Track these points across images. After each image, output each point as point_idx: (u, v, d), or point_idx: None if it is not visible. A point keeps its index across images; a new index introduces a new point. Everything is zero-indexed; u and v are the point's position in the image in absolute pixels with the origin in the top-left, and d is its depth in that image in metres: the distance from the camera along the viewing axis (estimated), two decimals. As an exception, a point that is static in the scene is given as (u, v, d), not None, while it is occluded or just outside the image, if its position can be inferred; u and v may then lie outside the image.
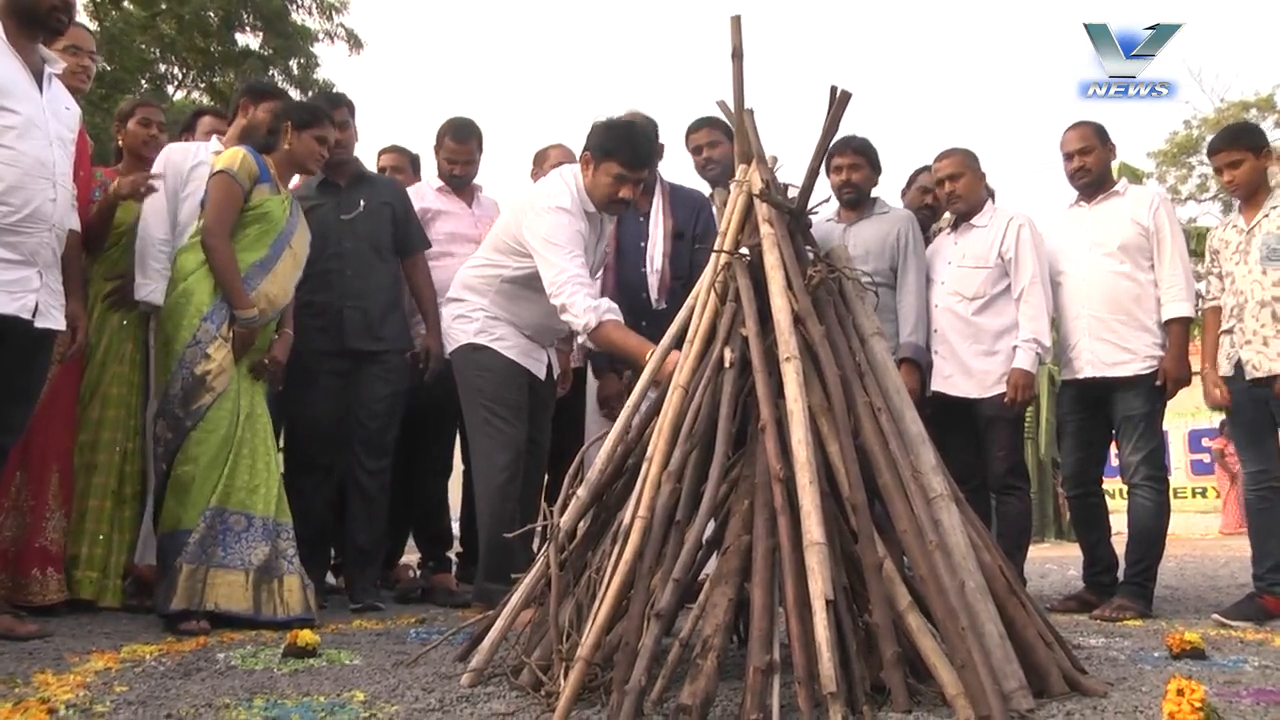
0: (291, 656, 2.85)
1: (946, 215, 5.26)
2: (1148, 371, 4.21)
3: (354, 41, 16.27)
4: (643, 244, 4.38)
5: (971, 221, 4.51)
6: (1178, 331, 4.22)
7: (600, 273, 4.13)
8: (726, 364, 2.61)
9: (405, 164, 5.17)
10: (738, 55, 3.10)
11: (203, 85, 16.01)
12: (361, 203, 4.38)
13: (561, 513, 2.69)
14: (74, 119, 3.35)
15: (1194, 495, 15.52)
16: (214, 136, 4.24)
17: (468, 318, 3.96)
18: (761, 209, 2.88)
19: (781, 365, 2.50)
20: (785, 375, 2.47)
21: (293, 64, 15.77)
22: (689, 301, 2.96)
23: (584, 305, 3.46)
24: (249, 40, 15.84)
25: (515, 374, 3.91)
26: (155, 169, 3.96)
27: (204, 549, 3.43)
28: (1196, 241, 16.79)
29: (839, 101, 2.75)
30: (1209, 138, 23.71)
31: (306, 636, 2.89)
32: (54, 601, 3.61)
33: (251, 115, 4.08)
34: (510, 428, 3.85)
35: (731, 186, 3.10)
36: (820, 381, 2.56)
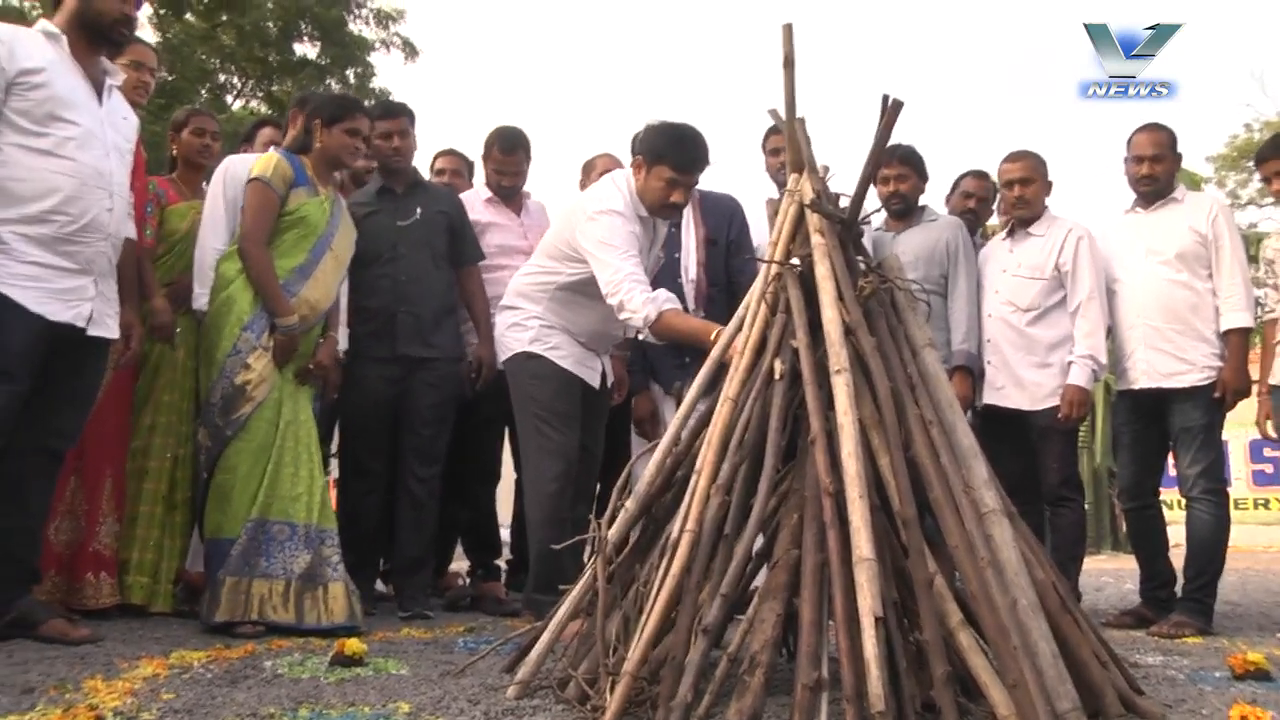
0: (338, 665, 2.86)
1: (995, 220, 5.20)
2: (1205, 383, 4.12)
3: (409, 50, 16.44)
4: (676, 254, 4.35)
5: (1029, 230, 4.44)
6: (1236, 342, 4.12)
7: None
8: (777, 376, 2.58)
9: (462, 168, 5.17)
10: (789, 64, 3.07)
11: (261, 94, 16.25)
12: (418, 210, 4.41)
13: (609, 525, 2.68)
14: (132, 129, 3.41)
15: (1256, 506, 15.14)
16: (272, 147, 4.28)
17: (522, 326, 3.94)
18: (813, 219, 2.85)
19: (832, 378, 2.47)
20: (835, 388, 2.44)
21: (349, 73, 15.95)
22: (739, 311, 2.93)
23: (641, 299, 3.44)
24: (307, 50, 16.07)
25: (569, 382, 3.89)
26: (214, 180, 3.99)
27: (246, 560, 3.47)
28: (1255, 247, 16.50)
29: (891, 110, 2.71)
30: (1273, 141, 23.23)
31: (354, 645, 2.91)
32: (106, 605, 3.67)
33: (301, 125, 4.10)
34: (562, 436, 3.83)
35: (783, 196, 3.08)
36: (871, 394, 2.52)
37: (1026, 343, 4.34)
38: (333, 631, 3.42)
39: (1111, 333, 4.42)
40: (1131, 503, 4.46)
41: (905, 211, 4.55)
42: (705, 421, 2.74)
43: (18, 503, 3.15)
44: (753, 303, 2.85)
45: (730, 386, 2.64)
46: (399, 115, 4.56)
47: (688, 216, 4.38)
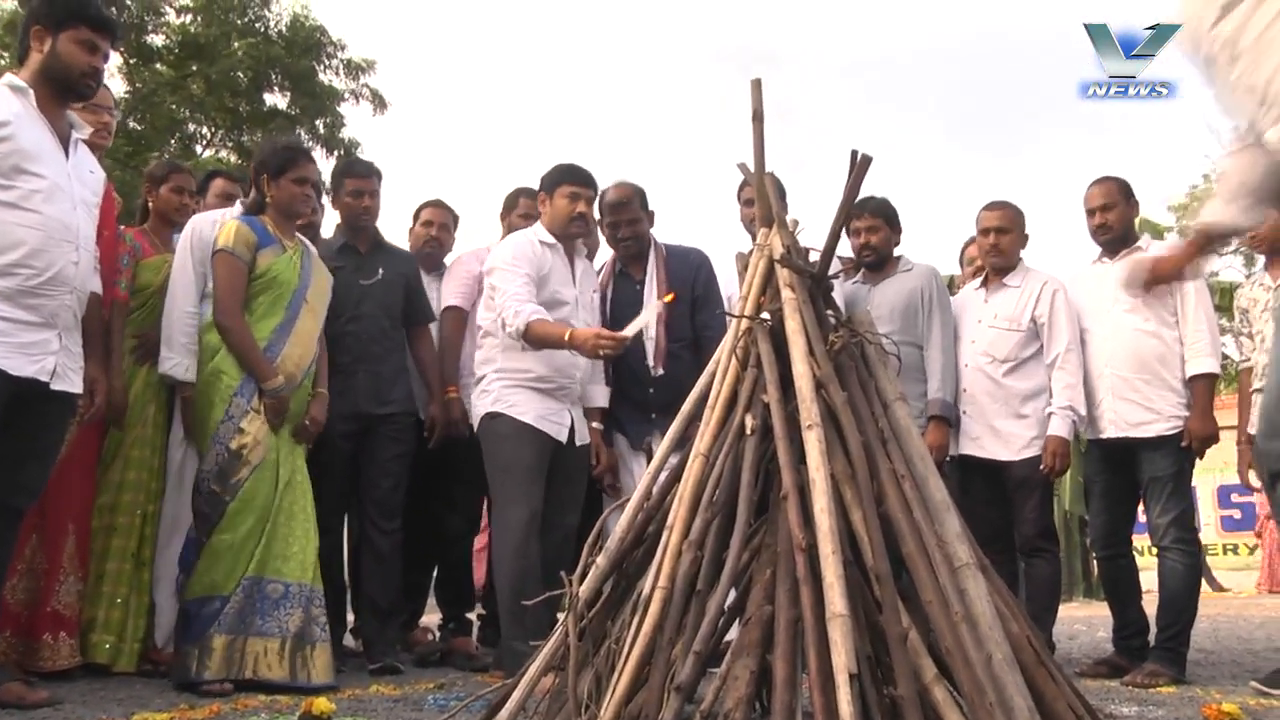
0: (307, 725, 2.81)
1: (965, 270, 5.26)
2: (1173, 432, 4.14)
3: (379, 101, 16.49)
4: (639, 312, 4.30)
5: (1004, 281, 4.49)
6: (1202, 389, 4.16)
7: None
8: (748, 431, 2.58)
9: (449, 221, 5.12)
10: (758, 118, 3.10)
11: (230, 144, 16.25)
12: (380, 270, 4.48)
13: (580, 581, 2.65)
14: (99, 183, 3.40)
15: (1225, 552, 15.28)
16: (238, 202, 4.28)
17: (486, 391, 4.10)
18: (783, 273, 2.86)
19: (804, 433, 2.46)
20: (807, 443, 2.43)
21: (319, 123, 15.99)
22: (709, 367, 2.93)
23: (513, 310, 3.85)
24: (277, 100, 16.10)
25: (531, 436, 3.97)
26: (181, 243, 4.00)
27: (242, 618, 3.48)
28: (1221, 296, 16.72)
29: (860, 166, 2.74)
30: (1231, 191, 23.81)
31: (321, 705, 2.86)
32: (65, 667, 3.58)
33: (275, 189, 4.11)
34: (524, 487, 3.90)
35: (752, 250, 3.09)
36: (843, 448, 2.52)
37: (1003, 393, 4.37)
38: (315, 690, 3.39)
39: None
40: (1104, 551, 4.47)
41: (879, 263, 4.58)
42: (676, 477, 2.73)
43: None
44: (723, 357, 2.84)
45: (702, 442, 2.64)
46: (370, 175, 4.63)
47: (651, 274, 4.42)
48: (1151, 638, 4.25)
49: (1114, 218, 4.37)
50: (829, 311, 2.92)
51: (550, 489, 4.03)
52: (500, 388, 4.04)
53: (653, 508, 2.75)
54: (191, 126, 16.08)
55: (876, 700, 2.17)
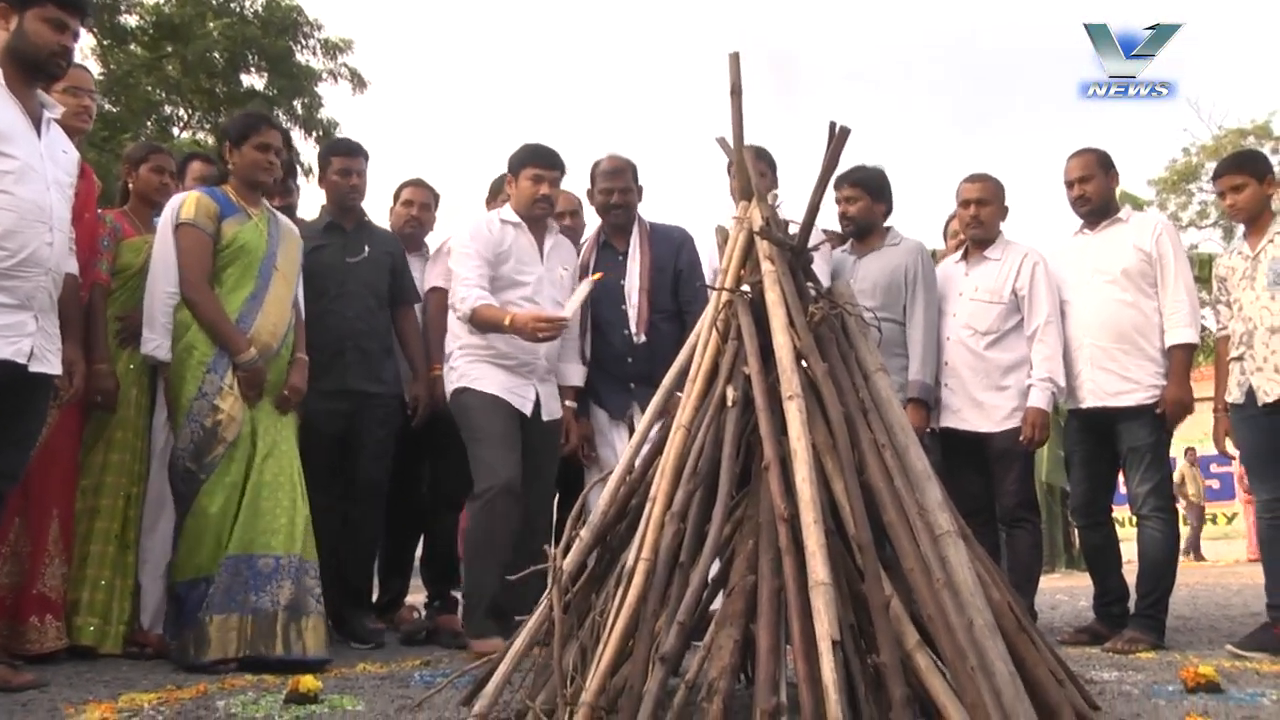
0: (293, 703, 2.82)
1: (949, 244, 5.26)
2: (1151, 401, 4.18)
3: (357, 81, 16.37)
4: (621, 281, 4.44)
5: (984, 253, 4.50)
6: (1180, 358, 4.19)
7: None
8: (729, 403, 2.59)
9: (430, 200, 5.09)
10: (736, 92, 3.10)
11: (208, 126, 16.09)
12: (366, 249, 4.49)
13: (564, 554, 2.66)
14: (72, 163, 3.35)
15: (1205, 521, 15.42)
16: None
17: (453, 368, 4.17)
18: (762, 246, 2.87)
19: (785, 404, 2.47)
20: (788, 414, 2.45)
21: (297, 104, 15.86)
22: (690, 339, 2.93)
23: (462, 295, 4.01)
24: (254, 81, 15.96)
25: (496, 406, 4.05)
26: (162, 224, 3.94)
27: (233, 597, 3.47)
28: (1200, 268, 16.78)
29: (838, 138, 2.75)
30: (1208, 164, 23.84)
31: (309, 682, 2.87)
32: (52, 650, 3.56)
33: (238, 157, 4.06)
34: (491, 453, 3.95)
35: (731, 223, 3.09)
36: (824, 419, 2.53)
37: (984, 366, 4.39)
38: (306, 664, 3.42)
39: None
40: (1084, 521, 4.52)
41: (859, 233, 4.57)
42: (659, 449, 2.74)
43: None
44: (704, 330, 2.85)
45: (683, 414, 2.65)
46: (358, 155, 4.65)
47: (635, 245, 4.48)
48: (1131, 605, 4.30)
49: (1092, 189, 4.39)
50: (809, 284, 2.93)
51: (525, 462, 4.05)
52: (465, 364, 4.12)
53: (635, 481, 2.77)
54: (168, 108, 15.93)
55: (859, 667, 2.19)
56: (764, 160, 4.54)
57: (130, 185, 4.29)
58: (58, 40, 3.16)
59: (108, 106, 14.16)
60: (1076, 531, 4.69)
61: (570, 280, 4.34)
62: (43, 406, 3.27)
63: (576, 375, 4.40)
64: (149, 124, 15.20)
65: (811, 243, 2.98)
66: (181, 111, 16.15)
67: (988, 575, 2.49)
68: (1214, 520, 15.59)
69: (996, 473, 4.42)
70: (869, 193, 4.54)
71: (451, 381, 4.17)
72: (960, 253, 4.65)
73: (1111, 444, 4.31)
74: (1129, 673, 3.50)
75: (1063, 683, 2.43)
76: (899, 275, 4.45)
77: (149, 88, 14.69)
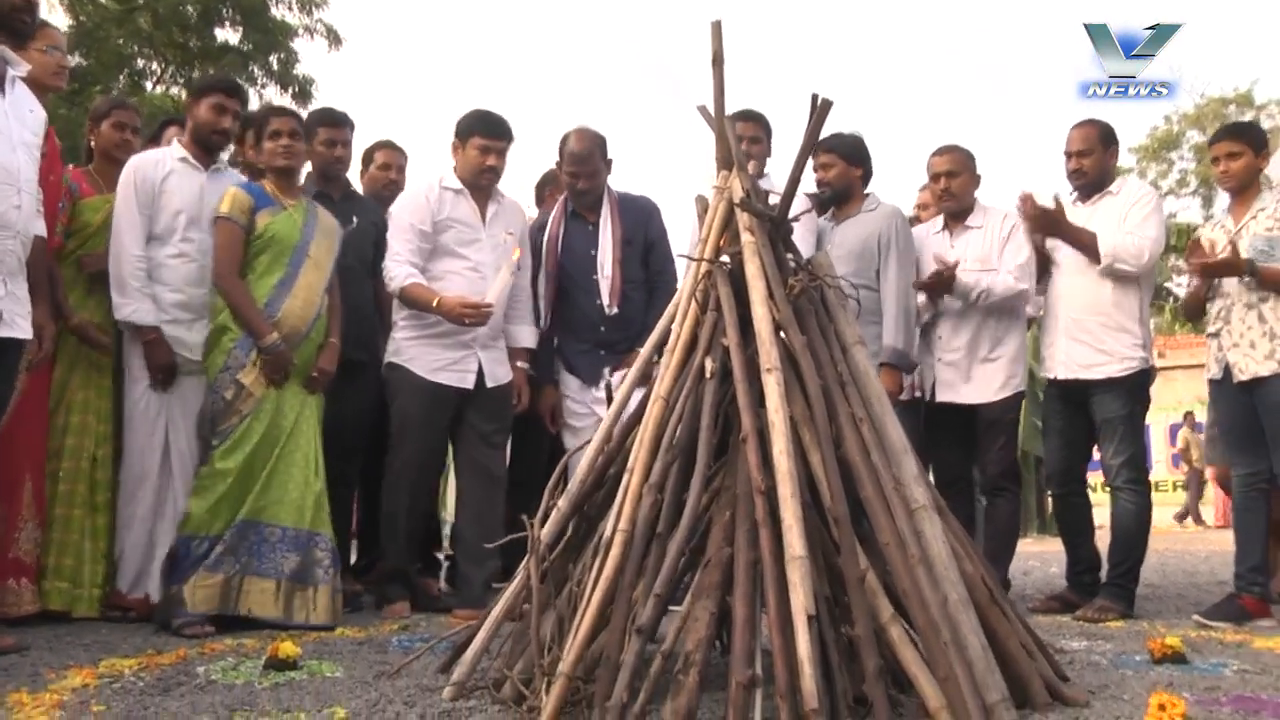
0: (272, 669, 2.83)
1: (926, 215, 5.26)
2: (1125, 374, 4.21)
3: (333, 37, 16.13)
4: (593, 252, 4.47)
5: (966, 223, 4.50)
6: (1088, 243, 4.24)
7: (546, 280, 4.51)
8: (708, 374, 2.59)
9: (404, 162, 5.08)
10: (718, 61, 3.07)
11: (181, 80, 15.84)
12: (354, 218, 4.50)
13: (543, 524, 2.67)
14: (39, 123, 3.28)
15: (1175, 489, 15.63)
16: (175, 140, 4.23)
17: (394, 338, 4.29)
18: (742, 217, 2.86)
19: (763, 376, 2.48)
20: (766, 386, 2.45)
21: (272, 59, 15.63)
22: (669, 310, 2.93)
23: (391, 274, 4.13)
24: (228, 35, 15.72)
25: (422, 390, 4.17)
26: (123, 184, 3.96)
27: (236, 558, 3.65)
28: (1178, 237, 16.87)
29: (820, 110, 2.74)
30: (1189, 133, 23.78)
31: (287, 648, 2.88)
32: (27, 613, 3.56)
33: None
34: (411, 434, 4.19)
35: (710, 193, 3.08)
36: (802, 392, 2.54)
37: (976, 337, 4.42)
38: (311, 629, 3.63)
39: (1042, 322, 4.53)
40: (1059, 490, 4.56)
41: (836, 199, 4.55)
42: (636, 419, 2.75)
43: None
44: (683, 300, 2.85)
45: (662, 385, 2.65)
46: (344, 125, 4.66)
47: (605, 216, 4.51)
48: (1103, 574, 4.35)
49: (1090, 164, 4.37)
50: (789, 255, 2.93)
51: (468, 430, 4.26)
52: (402, 339, 4.24)
53: (613, 450, 2.77)
54: (140, 62, 15.63)
55: (834, 639, 2.22)
56: (760, 124, 4.58)
57: (93, 143, 4.23)
58: None
59: (78, 59, 13.92)
60: (1050, 499, 4.72)
61: (513, 242, 4.39)
62: (12, 371, 3.22)
63: (528, 336, 4.48)
64: (120, 78, 14.94)
65: (796, 210, 2.99)
66: (154, 65, 15.88)
67: (961, 549, 2.51)
68: (1184, 487, 15.77)
69: (983, 442, 4.45)
70: (844, 157, 4.51)
71: (388, 352, 4.29)
72: (941, 223, 4.63)
73: (1087, 414, 4.33)
74: (1098, 642, 3.55)
75: (1033, 655, 2.47)
76: (872, 242, 4.42)
77: (120, 41, 14.42)
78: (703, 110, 3.28)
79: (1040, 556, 7.72)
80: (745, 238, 2.79)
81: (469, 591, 4.20)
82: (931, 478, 5.13)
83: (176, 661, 2.99)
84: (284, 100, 15.60)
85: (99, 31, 13.98)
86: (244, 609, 3.63)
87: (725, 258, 2.84)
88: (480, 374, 4.23)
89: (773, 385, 2.44)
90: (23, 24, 3.15)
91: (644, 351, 2.92)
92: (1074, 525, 4.50)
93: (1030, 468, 11.61)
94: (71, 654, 3.11)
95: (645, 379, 2.92)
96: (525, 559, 2.61)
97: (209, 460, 3.73)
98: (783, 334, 2.61)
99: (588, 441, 2.83)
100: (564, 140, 4.48)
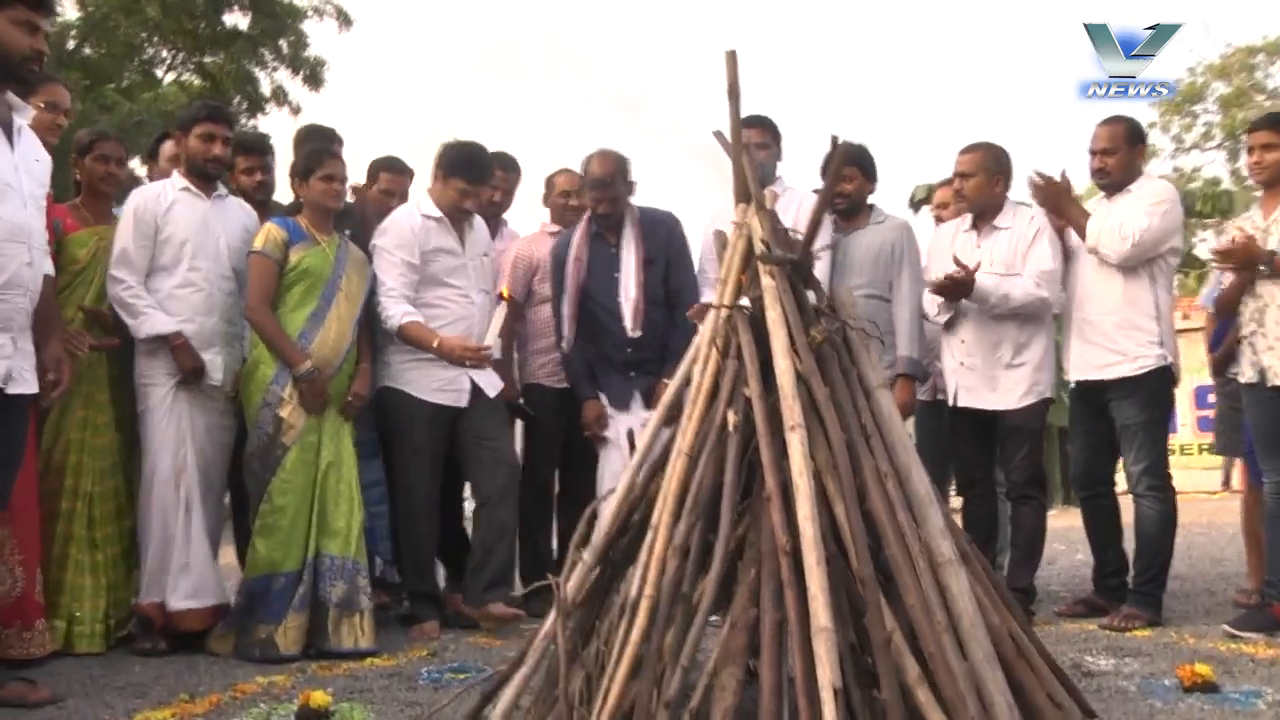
0: (305, 719, 2.86)
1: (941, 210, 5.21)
2: (1138, 373, 4.16)
3: (343, 19, 15.95)
4: (615, 274, 4.51)
5: (994, 223, 4.44)
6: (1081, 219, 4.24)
7: (568, 301, 4.55)
8: (730, 428, 2.57)
9: (405, 187, 5.02)
10: (734, 93, 3.03)
11: (192, 67, 15.76)
12: (348, 231, 4.46)
13: (568, 578, 2.67)
14: (45, 172, 3.24)
15: (1200, 452, 15.50)
16: (175, 171, 4.22)
17: (386, 363, 4.37)
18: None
19: (786, 434, 2.46)
20: (790, 445, 2.43)
21: (282, 43, 15.50)
22: (690, 353, 2.90)
23: (390, 312, 4.21)
24: (236, 20, 15.55)
25: (421, 413, 4.29)
26: (124, 216, 4.00)
27: (316, 594, 3.84)
28: (1202, 202, 16.61)
29: (839, 153, 2.72)
30: (1214, 84, 23.04)
31: (318, 697, 2.91)
32: (46, 653, 3.55)
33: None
34: (412, 467, 4.32)
35: (730, 229, 3.04)
36: (826, 441, 2.52)
37: (998, 341, 4.36)
38: (360, 655, 3.79)
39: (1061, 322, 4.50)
40: (1084, 492, 4.54)
41: (851, 211, 4.55)
42: (661, 464, 2.73)
43: None
44: (703, 346, 2.82)
45: (684, 440, 2.63)
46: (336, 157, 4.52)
47: (628, 237, 4.55)
48: (1129, 580, 4.33)
49: (1114, 163, 4.31)
50: (809, 291, 2.89)
51: (468, 435, 4.37)
52: (397, 363, 4.33)
53: (636, 498, 2.76)
54: (149, 51, 15.53)
55: (861, 699, 2.22)
56: (767, 129, 4.57)
57: (78, 176, 4.20)
58: (30, 44, 3.01)
59: (88, 51, 13.88)
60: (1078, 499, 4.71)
61: (491, 264, 4.64)
62: (23, 427, 3.19)
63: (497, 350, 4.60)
64: (132, 66, 14.85)
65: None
66: (164, 53, 15.78)
67: (988, 599, 2.50)
68: (1209, 450, 15.63)
69: (1006, 449, 4.43)
70: (863, 171, 4.59)
71: (382, 377, 4.35)
72: (969, 221, 4.56)
73: (1109, 417, 4.30)
74: (1125, 660, 3.55)
75: (1060, 705, 2.47)
76: (886, 253, 4.50)
77: (129, 30, 14.32)
78: (719, 137, 3.24)
79: (1065, 537, 7.65)
80: (766, 282, 2.75)
81: (475, 587, 4.34)
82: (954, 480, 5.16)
83: (210, 710, 3.02)
84: (295, 84, 15.52)
85: (107, 22, 13.85)
86: (334, 643, 3.80)
87: (746, 300, 2.81)
88: (475, 390, 4.34)
89: (796, 445, 2.42)
90: (31, 73, 3.12)
91: (664, 399, 2.90)
92: (1100, 528, 4.49)
93: (1054, 439, 11.59)
94: (105, 699, 3.15)
95: (672, 415, 2.90)
96: (552, 617, 2.60)
97: (267, 498, 3.86)
98: (805, 385, 2.58)
99: (612, 490, 2.82)
100: (586, 163, 4.55)
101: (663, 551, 2.46)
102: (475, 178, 4.41)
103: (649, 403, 4.39)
